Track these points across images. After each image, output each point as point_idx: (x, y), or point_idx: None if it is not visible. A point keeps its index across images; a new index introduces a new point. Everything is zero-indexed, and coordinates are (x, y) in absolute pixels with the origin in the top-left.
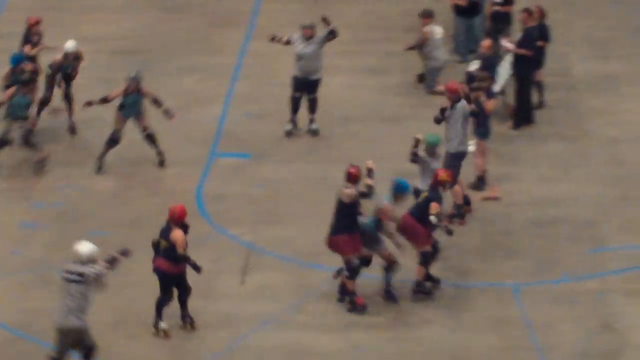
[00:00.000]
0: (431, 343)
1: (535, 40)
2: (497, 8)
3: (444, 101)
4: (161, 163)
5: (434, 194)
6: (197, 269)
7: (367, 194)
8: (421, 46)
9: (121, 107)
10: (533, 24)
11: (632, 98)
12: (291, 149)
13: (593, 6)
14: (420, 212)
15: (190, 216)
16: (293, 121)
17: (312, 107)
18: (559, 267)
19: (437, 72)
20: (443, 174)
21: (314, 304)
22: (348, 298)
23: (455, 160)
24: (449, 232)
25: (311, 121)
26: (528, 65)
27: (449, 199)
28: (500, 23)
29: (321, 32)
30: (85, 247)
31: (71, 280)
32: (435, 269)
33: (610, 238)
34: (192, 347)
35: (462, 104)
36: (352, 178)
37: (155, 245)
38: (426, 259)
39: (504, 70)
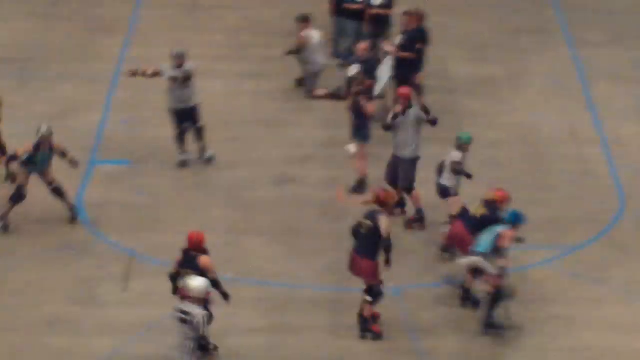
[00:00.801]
0: (311, 347)
1: (416, 43)
2: (376, 11)
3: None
4: (73, 219)
5: (495, 216)
6: (226, 297)
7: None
8: (299, 51)
9: (28, 163)
10: (413, 26)
11: (511, 101)
12: (170, 155)
13: (471, 9)
14: (475, 227)
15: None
16: (184, 151)
17: (200, 136)
18: (442, 270)
19: (316, 76)
20: (498, 194)
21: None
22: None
23: (413, 165)
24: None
25: (203, 149)
26: (408, 69)
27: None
28: (380, 26)
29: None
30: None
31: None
32: (318, 272)
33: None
34: (76, 353)
35: (414, 109)
36: (383, 202)
37: (175, 277)
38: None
39: (384, 73)
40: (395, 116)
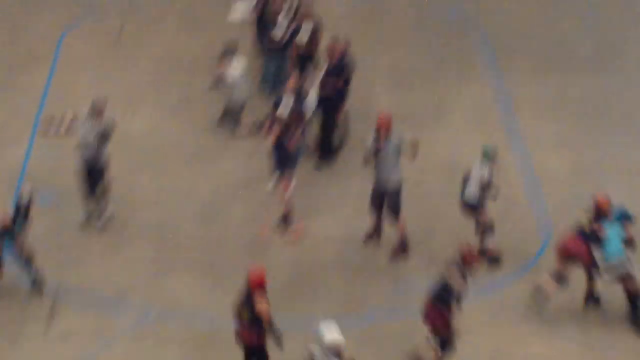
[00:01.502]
0: None
1: (340, 74)
2: (302, 49)
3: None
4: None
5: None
6: (280, 344)
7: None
8: (221, 83)
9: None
10: (338, 56)
11: (435, 131)
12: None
13: (397, 39)
14: (589, 237)
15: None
16: (90, 206)
17: (103, 194)
18: (365, 304)
19: (240, 109)
20: (604, 201)
21: (122, 345)
22: None
23: (400, 194)
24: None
25: (102, 212)
26: (333, 99)
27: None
28: (305, 58)
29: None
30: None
31: None
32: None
33: (411, 275)
34: None
35: (394, 138)
36: (467, 261)
37: (239, 314)
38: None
39: (309, 104)
40: (377, 150)
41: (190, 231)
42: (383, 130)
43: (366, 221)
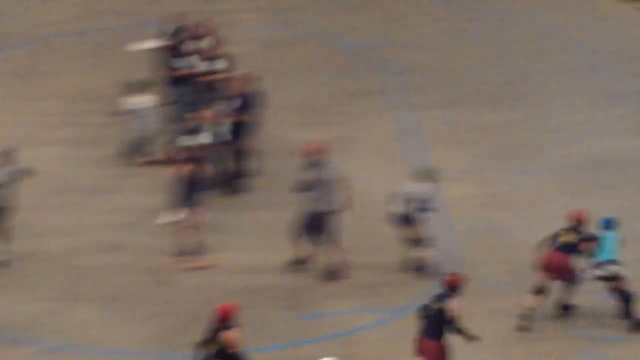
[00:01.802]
0: None
1: (249, 107)
2: (213, 76)
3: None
4: None
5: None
6: None
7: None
8: (124, 117)
9: None
10: (247, 90)
11: (343, 163)
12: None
13: (305, 73)
14: (573, 252)
15: None
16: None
17: (7, 237)
18: (270, 334)
19: (147, 141)
20: (580, 215)
21: None
22: None
23: (334, 217)
24: None
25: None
26: (242, 133)
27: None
28: (215, 91)
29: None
30: None
31: None
32: (147, 338)
33: (317, 304)
34: None
35: (328, 163)
36: (454, 286)
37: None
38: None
39: (217, 137)
40: (311, 177)
41: (95, 262)
42: (316, 157)
43: (275, 252)
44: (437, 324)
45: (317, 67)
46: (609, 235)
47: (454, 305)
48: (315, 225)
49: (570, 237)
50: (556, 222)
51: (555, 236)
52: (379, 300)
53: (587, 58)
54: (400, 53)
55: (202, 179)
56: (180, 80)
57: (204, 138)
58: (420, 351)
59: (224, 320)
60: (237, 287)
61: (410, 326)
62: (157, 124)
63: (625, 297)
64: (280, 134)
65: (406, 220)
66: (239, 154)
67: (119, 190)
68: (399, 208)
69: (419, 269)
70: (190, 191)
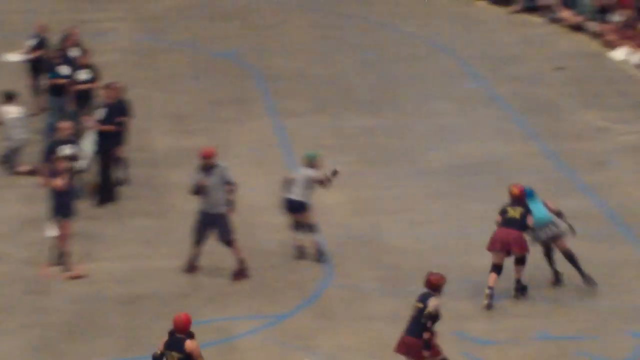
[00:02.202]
0: None
1: (116, 116)
2: (81, 86)
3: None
4: None
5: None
6: None
7: None
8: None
9: None
10: (113, 99)
11: None
12: None
13: (171, 81)
14: (523, 226)
15: None
16: None
17: None
18: (149, 343)
19: (16, 151)
20: (517, 189)
21: None
22: None
23: (229, 219)
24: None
25: None
26: (110, 142)
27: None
28: (84, 101)
29: None
30: None
31: None
32: (25, 349)
33: (197, 311)
34: None
35: (220, 167)
36: (435, 286)
37: (159, 358)
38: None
39: (87, 147)
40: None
41: None
42: (207, 159)
43: (151, 260)
44: (418, 323)
45: (188, 75)
46: (536, 201)
47: (434, 304)
48: (207, 227)
49: (517, 213)
50: (428, 226)
51: (503, 213)
52: (260, 307)
53: (456, 63)
54: (270, 60)
55: (73, 188)
56: (55, 90)
57: (74, 148)
58: (400, 348)
59: (183, 330)
60: (116, 296)
61: (291, 333)
62: (24, 134)
63: (569, 255)
64: (148, 142)
65: (297, 205)
66: (106, 163)
67: None
68: (290, 194)
69: (302, 254)
70: (64, 201)
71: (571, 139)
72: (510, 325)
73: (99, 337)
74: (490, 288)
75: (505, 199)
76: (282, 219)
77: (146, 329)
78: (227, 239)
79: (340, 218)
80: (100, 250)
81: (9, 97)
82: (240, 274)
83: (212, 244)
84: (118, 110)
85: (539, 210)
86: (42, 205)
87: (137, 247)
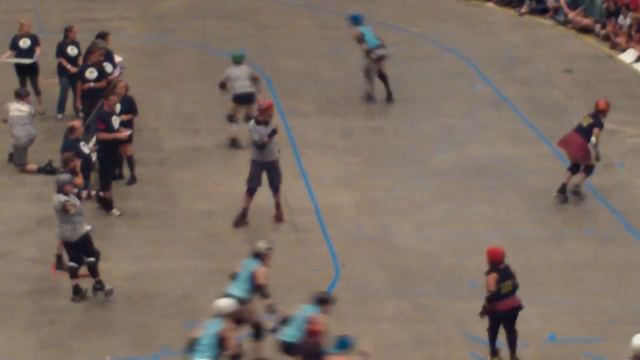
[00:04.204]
0: None
1: (125, 113)
2: (91, 84)
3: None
4: None
5: (597, 121)
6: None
7: None
8: (8, 123)
9: None
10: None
11: (222, 171)
12: None
13: (179, 81)
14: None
15: None
16: None
17: None
18: (157, 342)
19: (24, 150)
20: (602, 103)
21: None
22: None
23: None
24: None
25: None
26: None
27: None
28: (94, 99)
29: None
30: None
31: None
32: (33, 347)
33: (206, 311)
34: None
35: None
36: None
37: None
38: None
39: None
40: (273, 132)
41: None
42: (269, 112)
43: (154, 258)
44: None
45: (195, 75)
46: (367, 29)
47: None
48: (262, 175)
49: (586, 121)
50: (435, 228)
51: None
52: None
53: (463, 64)
54: (278, 60)
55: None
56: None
57: (85, 147)
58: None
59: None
60: (123, 295)
61: None
62: (32, 132)
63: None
64: (157, 141)
65: (247, 97)
66: (106, 164)
67: (3, 198)
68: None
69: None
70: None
71: None
72: (519, 327)
73: (105, 336)
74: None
75: (513, 201)
76: (289, 219)
77: (154, 328)
78: (278, 185)
79: (348, 219)
80: (109, 249)
81: (19, 95)
82: (278, 218)
83: (216, 249)
84: (124, 107)
85: (370, 34)
86: (50, 204)
87: (146, 246)
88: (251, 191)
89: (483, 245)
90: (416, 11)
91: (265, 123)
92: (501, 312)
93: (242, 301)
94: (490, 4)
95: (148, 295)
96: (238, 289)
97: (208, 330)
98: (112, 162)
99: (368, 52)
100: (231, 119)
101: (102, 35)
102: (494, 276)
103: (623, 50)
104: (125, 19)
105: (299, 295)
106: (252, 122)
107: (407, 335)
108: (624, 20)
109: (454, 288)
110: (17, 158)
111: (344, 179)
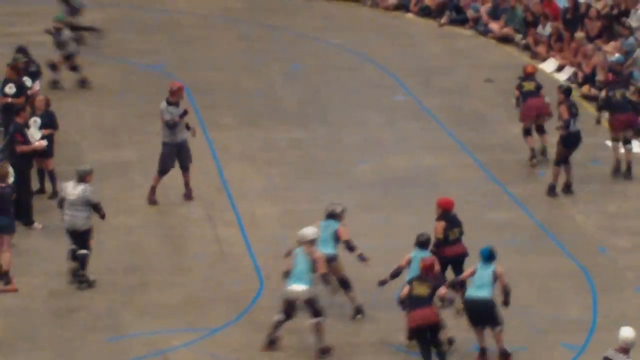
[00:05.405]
0: None
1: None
2: (8, 100)
3: None
4: None
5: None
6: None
7: None
8: None
9: None
10: (40, 111)
11: (143, 184)
12: None
13: (101, 94)
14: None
15: None
16: None
17: None
18: (80, 356)
19: None
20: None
21: None
22: None
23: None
24: None
25: None
26: (39, 154)
27: None
28: (11, 114)
29: None
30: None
31: None
32: None
33: (130, 325)
34: None
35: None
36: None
37: None
38: None
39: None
40: (184, 113)
41: None
42: (180, 94)
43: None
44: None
45: (116, 88)
46: None
47: None
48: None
49: (531, 86)
50: (358, 239)
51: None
52: (193, 320)
53: (384, 75)
54: (197, 73)
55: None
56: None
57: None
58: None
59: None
60: (44, 311)
61: (224, 346)
62: None
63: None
64: (78, 155)
65: None
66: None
67: None
68: None
69: None
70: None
71: (500, 150)
72: (443, 337)
73: (31, 351)
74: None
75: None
76: (211, 232)
77: (77, 342)
78: (188, 165)
79: (270, 231)
80: (30, 265)
81: None
82: (188, 196)
83: (138, 262)
84: (45, 122)
85: None
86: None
87: (67, 261)
88: (163, 173)
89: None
90: (335, 22)
91: (177, 104)
92: (449, 258)
93: (330, 258)
94: (410, 15)
95: (70, 310)
96: (325, 248)
97: (298, 258)
98: (28, 175)
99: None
100: None
101: (22, 50)
102: (442, 224)
103: (543, 59)
104: (42, 32)
105: (222, 308)
106: (164, 103)
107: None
108: (544, 30)
109: (378, 298)
110: None
111: (265, 191)
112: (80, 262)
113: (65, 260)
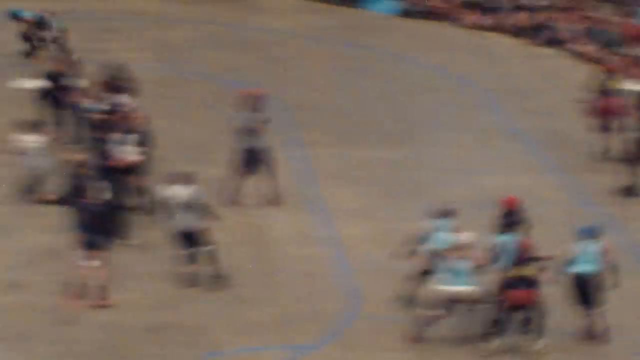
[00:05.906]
0: None
1: (141, 145)
2: (102, 116)
3: None
4: None
5: None
6: None
7: None
8: (18, 156)
9: None
10: (136, 129)
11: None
12: None
13: (195, 111)
14: None
15: None
16: None
17: None
18: None
19: (40, 181)
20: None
21: None
22: None
23: None
24: None
25: None
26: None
27: None
28: (105, 131)
29: None
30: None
31: None
32: None
33: (225, 342)
34: None
35: None
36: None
37: None
38: None
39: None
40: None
41: None
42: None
43: (173, 289)
44: None
45: (206, 105)
46: None
47: None
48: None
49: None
50: None
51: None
52: (287, 338)
53: (477, 95)
54: (289, 91)
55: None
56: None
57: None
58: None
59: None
60: (141, 326)
61: None
62: (47, 162)
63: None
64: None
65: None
66: (130, 191)
67: (18, 229)
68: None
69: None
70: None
71: (591, 171)
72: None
73: None
74: None
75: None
76: (306, 251)
77: (173, 358)
78: (269, 170)
79: (364, 250)
80: (126, 280)
81: (32, 126)
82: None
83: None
84: (141, 140)
85: None
86: (64, 235)
87: (163, 277)
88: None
89: None
90: (427, 42)
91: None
92: None
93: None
94: (501, 35)
95: (165, 326)
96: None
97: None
98: (124, 191)
99: None
100: None
101: (117, 67)
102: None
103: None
104: (137, 49)
105: (315, 326)
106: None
107: None
108: (634, 51)
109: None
110: (32, 189)
111: (359, 210)
112: (210, 259)
113: (157, 275)
